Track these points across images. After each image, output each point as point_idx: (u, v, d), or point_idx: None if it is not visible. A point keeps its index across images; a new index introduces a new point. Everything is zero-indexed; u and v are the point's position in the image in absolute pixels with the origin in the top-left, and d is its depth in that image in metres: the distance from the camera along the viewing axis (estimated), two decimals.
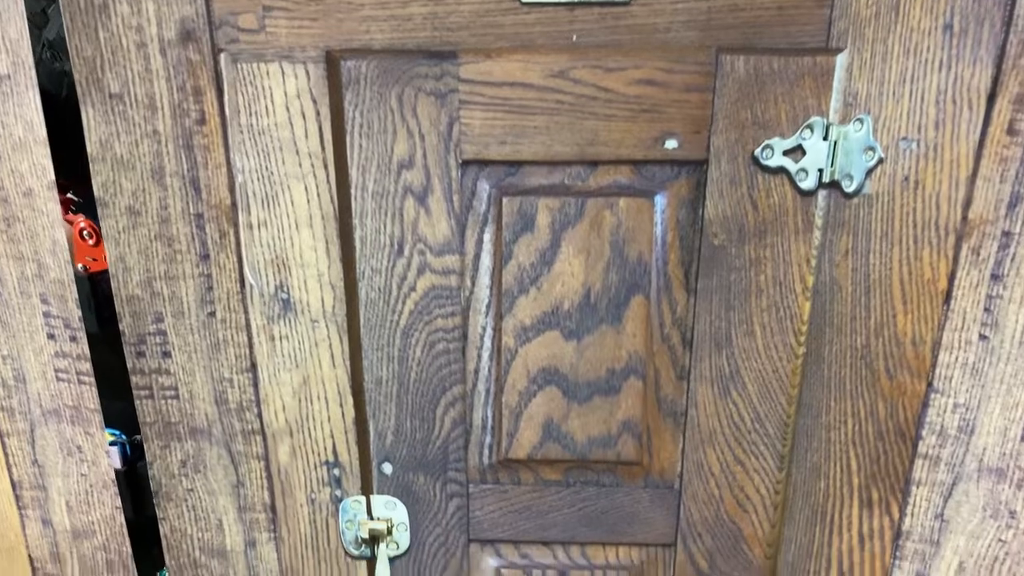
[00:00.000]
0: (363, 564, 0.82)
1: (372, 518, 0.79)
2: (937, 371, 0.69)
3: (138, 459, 0.84)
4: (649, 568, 0.81)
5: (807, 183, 0.65)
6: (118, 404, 0.83)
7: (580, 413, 0.75)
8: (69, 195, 1.03)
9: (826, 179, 0.65)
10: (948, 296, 0.67)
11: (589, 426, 0.75)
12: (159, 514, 0.81)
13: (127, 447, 0.96)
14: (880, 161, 0.64)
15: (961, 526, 0.74)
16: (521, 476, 0.78)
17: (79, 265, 0.96)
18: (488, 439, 0.77)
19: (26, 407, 0.77)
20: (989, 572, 0.75)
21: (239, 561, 0.82)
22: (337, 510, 0.79)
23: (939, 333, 0.68)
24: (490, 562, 0.82)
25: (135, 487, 0.90)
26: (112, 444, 0.96)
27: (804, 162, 0.64)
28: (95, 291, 0.85)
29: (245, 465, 0.78)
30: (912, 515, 0.75)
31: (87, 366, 0.75)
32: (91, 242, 0.96)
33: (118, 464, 0.95)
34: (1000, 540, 0.73)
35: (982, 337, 0.68)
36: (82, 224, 0.96)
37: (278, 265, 0.70)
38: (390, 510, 0.79)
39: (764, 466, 0.75)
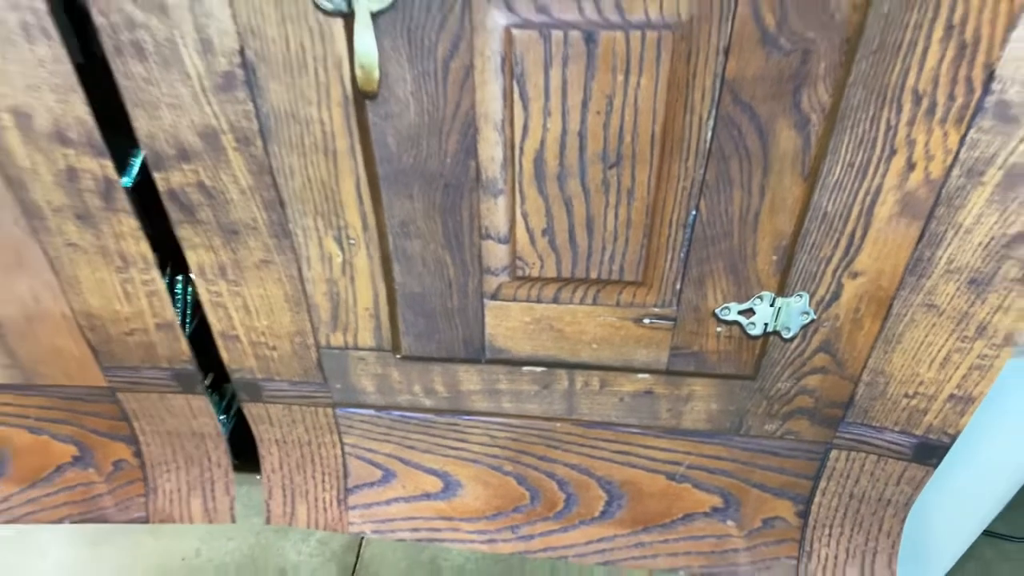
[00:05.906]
0: (339, 23, 0.65)
1: None
2: None
3: None
4: (700, 27, 0.64)
5: None
6: None
7: None
8: None
9: None
10: None
11: None
12: None
13: None
14: None
15: None
16: None
17: None
18: None
19: None
20: None
21: (184, 19, 0.65)
22: None
23: None
24: (499, 20, 0.65)
25: (80, 26, 0.70)
26: None
27: None
28: None
29: None
30: None
31: None
32: None
33: None
34: None
35: None
36: None
37: None
38: None
39: None
